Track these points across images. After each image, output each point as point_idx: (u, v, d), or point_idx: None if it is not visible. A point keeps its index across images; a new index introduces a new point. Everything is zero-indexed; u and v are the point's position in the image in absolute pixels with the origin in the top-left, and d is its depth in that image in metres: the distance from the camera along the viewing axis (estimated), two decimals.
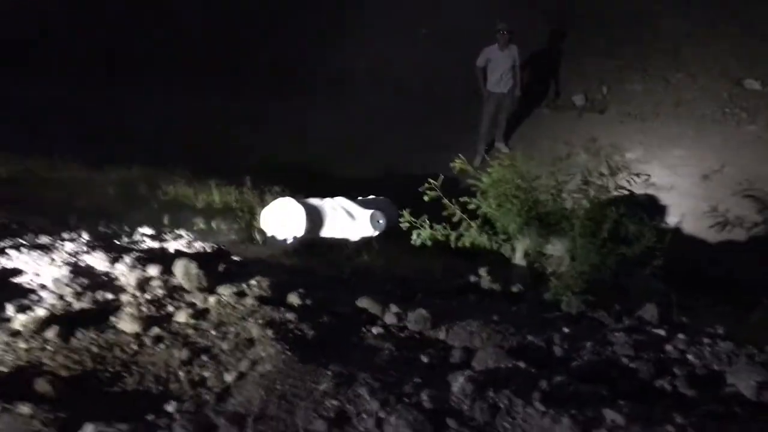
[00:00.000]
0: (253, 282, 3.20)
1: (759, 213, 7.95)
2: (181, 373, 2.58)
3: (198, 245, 3.78)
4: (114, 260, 3.40)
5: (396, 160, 9.53)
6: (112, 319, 2.87)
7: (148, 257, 3.44)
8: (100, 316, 2.91)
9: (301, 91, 11.13)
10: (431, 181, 4.44)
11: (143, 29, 12.93)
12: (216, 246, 3.79)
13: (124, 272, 3.28)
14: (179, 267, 3.20)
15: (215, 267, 3.35)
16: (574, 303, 3.60)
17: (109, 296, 3.08)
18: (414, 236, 4.52)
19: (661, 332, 3.27)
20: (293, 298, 3.13)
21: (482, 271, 4.13)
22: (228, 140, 10.01)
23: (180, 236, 4.03)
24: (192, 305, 3.04)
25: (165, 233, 4.16)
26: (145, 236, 4.12)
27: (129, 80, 11.79)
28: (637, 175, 4.45)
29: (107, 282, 3.25)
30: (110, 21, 13.22)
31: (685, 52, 10.23)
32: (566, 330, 3.18)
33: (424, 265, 4.80)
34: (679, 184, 8.71)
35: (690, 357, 3.02)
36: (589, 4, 11.47)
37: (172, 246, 3.85)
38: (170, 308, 3.02)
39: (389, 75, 11.14)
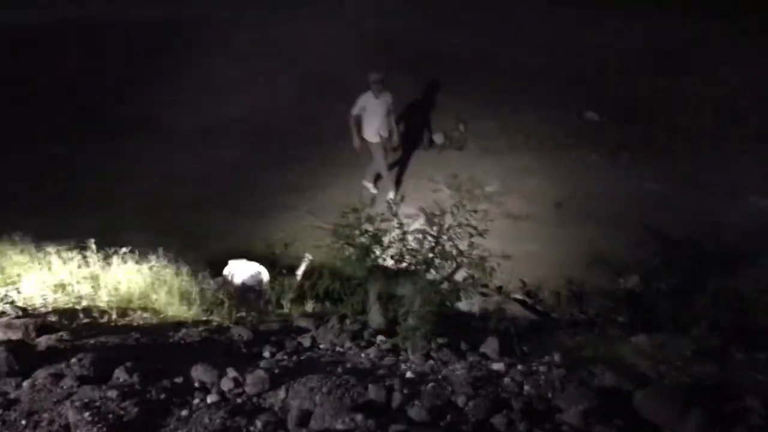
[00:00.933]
0: (74, 360, 2.96)
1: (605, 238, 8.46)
2: None
3: (19, 322, 3.46)
4: None
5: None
6: None
7: None
8: None
9: (167, 140, 10.85)
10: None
11: None
12: (41, 321, 3.49)
13: None
14: None
15: (33, 348, 3.07)
16: (418, 345, 3.62)
17: None
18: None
19: (501, 366, 3.34)
20: (119, 374, 2.92)
21: (332, 321, 4.09)
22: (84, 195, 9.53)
23: (2, 313, 3.69)
24: (2, 394, 2.76)
25: None
26: None
27: None
28: (475, 211, 4.56)
29: None
30: None
31: (531, 87, 10.88)
32: (409, 375, 3.18)
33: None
34: (535, 212, 9.15)
35: (527, 388, 3.11)
36: (439, 47, 12.01)
37: None
38: None
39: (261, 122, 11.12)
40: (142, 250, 6.39)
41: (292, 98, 11.49)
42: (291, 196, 9.74)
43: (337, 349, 3.80)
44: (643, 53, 10.99)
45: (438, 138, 10.76)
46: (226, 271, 6.84)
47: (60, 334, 3.57)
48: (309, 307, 5.13)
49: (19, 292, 4.71)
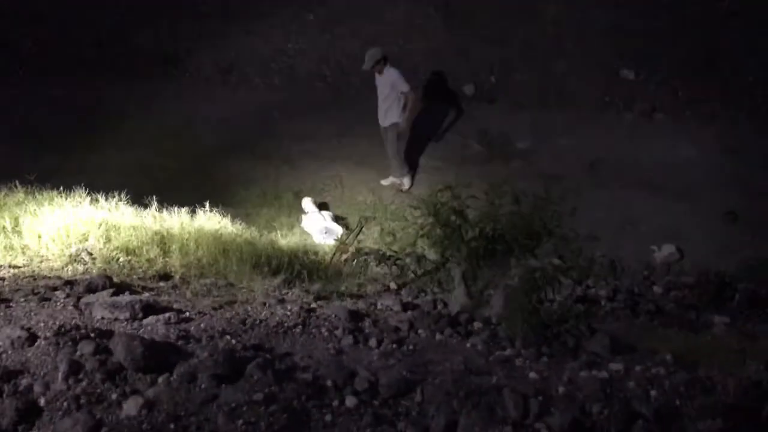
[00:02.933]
0: (205, 355, 2.86)
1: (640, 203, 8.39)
2: None
3: (124, 301, 3.33)
4: None
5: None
6: None
7: None
8: None
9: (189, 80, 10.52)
10: None
11: None
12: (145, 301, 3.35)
13: None
14: None
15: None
16: (530, 338, 3.58)
17: None
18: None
19: (620, 367, 3.31)
20: (253, 371, 2.82)
21: (426, 305, 4.02)
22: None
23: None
24: (137, 392, 2.66)
25: None
26: None
27: None
28: None
29: None
30: None
31: (566, 42, 10.57)
32: (532, 376, 3.14)
33: None
34: (567, 173, 9.03)
35: (653, 393, 3.07)
36: None
37: None
38: None
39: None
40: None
41: (316, 41, 11.08)
42: (313, 143, 9.54)
43: (438, 337, 3.75)
44: (696, 11, 10.64)
45: (468, 89, 10.49)
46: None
47: (167, 315, 3.45)
48: (389, 281, 5.05)
49: (89, 253, 4.55)
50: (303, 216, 8.10)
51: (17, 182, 5.74)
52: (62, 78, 10.35)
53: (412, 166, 9.05)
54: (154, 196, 6.20)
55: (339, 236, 7.48)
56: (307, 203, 8.23)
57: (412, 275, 4.58)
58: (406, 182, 8.88)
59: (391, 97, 8.35)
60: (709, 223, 8.12)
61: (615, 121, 9.84)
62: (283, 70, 10.81)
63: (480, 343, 3.58)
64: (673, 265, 7.63)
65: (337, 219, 8.20)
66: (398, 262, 4.48)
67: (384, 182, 8.93)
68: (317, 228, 7.81)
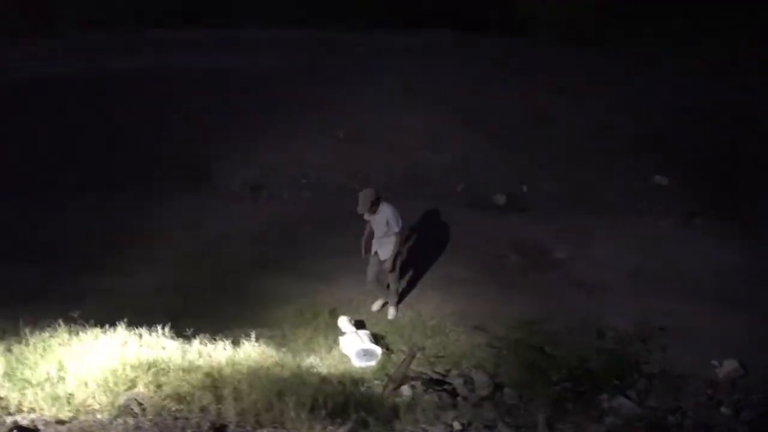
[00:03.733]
0: None
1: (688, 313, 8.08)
2: None
3: None
4: None
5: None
6: None
7: None
8: None
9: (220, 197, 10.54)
10: None
11: None
12: None
13: None
14: None
15: None
16: None
17: None
18: None
19: None
20: None
21: None
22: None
23: None
24: None
25: None
26: None
27: None
28: None
29: None
30: None
31: (595, 149, 10.65)
32: None
33: None
34: (608, 281, 8.79)
35: None
36: (494, 102, 11.79)
37: None
38: None
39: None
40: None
41: (345, 155, 11.20)
42: (347, 258, 9.39)
43: None
44: (711, 113, 10.80)
45: (500, 199, 10.46)
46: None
47: None
48: (452, 419, 4.70)
49: (139, 403, 4.29)
50: (340, 337, 7.84)
51: (61, 321, 5.56)
52: (95, 193, 10.43)
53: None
54: (193, 321, 5.98)
55: (378, 357, 7.22)
56: (344, 323, 7.97)
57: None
58: (392, 312, 8.58)
59: (390, 232, 8.15)
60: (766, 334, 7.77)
61: (652, 228, 9.71)
62: (313, 185, 10.88)
63: None
64: (737, 382, 7.21)
65: (375, 337, 7.93)
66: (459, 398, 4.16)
67: (374, 307, 8.65)
68: (355, 350, 7.54)
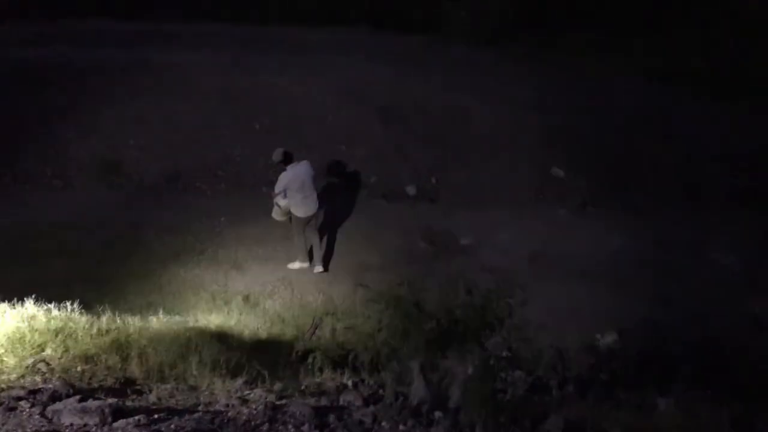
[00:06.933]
0: None
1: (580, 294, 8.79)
2: None
3: (94, 406, 3.32)
4: None
5: None
6: None
7: None
8: None
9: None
10: None
11: None
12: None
13: None
14: None
15: None
16: (489, 426, 3.72)
17: None
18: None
19: None
20: None
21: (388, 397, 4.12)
22: None
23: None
24: None
25: None
26: None
27: None
28: None
29: None
30: None
31: (501, 144, 11.31)
32: None
33: None
34: (510, 266, 9.41)
35: None
36: (408, 99, 12.31)
37: None
38: None
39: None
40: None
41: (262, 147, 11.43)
42: (261, 248, 9.66)
43: (401, 428, 3.84)
44: (606, 113, 11.67)
45: (411, 189, 10.97)
46: None
47: (137, 418, 3.44)
48: (347, 377, 5.11)
49: (47, 363, 4.49)
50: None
51: None
52: None
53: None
54: (106, 305, 6.15)
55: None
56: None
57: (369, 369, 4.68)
58: (292, 264, 9.19)
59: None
60: (645, 309, 8.55)
61: (550, 216, 10.42)
62: (230, 177, 11.05)
63: None
64: (617, 352, 7.93)
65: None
66: (355, 359, 4.60)
67: (291, 266, 9.19)
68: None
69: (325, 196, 9.68)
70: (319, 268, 9.19)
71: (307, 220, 9.10)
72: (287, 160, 8.89)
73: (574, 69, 13.96)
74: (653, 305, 8.58)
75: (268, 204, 9.31)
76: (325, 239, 9.58)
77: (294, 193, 8.84)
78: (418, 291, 4.60)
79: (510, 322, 4.56)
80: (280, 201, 9.03)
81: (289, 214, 9.14)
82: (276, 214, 9.28)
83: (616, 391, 5.95)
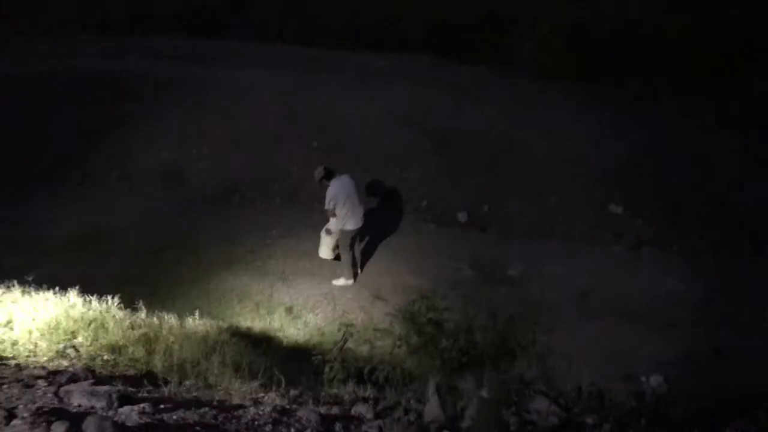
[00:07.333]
0: None
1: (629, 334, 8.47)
2: None
3: (102, 390, 3.42)
4: None
5: None
6: None
7: None
8: None
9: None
10: None
11: None
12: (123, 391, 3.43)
13: None
14: None
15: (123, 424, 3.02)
16: None
17: None
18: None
19: None
20: None
21: (398, 412, 4.07)
22: None
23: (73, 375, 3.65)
24: None
25: None
26: None
27: None
28: None
29: None
30: None
31: (558, 177, 11.10)
32: None
33: None
34: (557, 300, 9.18)
35: None
36: (466, 128, 12.29)
37: None
38: None
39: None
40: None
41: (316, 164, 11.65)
42: (309, 262, 9.77)
43: None
44: (669, 151, 11.31)
45: (462, 216, 10.89)
46: None
47: (142, 406, 3.52)
48: (367, 391, 5.08)
49: (77, 350, 4.66)
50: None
51: (15, 282, 5.95)
52: None
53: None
54: (140, 302, 6.35)
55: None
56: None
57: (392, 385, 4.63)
58: (337, 281, 9.34)
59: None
60: (697, 357, 8.15)
61: (603, 254, 10.12)
62: (285, 192, 11.29)
63: None
64: (662, 397, 7.57)
65: None
66: (374, 373, 4.55)
67: (335, 282, 9.35)
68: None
69: (376, 217, 9.76)
70: (349, 281, 9.36)
71: (354, 234, 9.16)
72: (329, 175, 9.08)
73: (642, 107, 13.63)
74: (706, 354, 8.18)
75: (319, 221, 9.44)
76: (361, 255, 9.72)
77: (341, 207, 8.96)
78: (440, 311, 4.53)
79: (533, 350, 4.42)
80: (331, 225, 9.16)
81: (336, 249, 9.30)
82: (323, 252, 9.41)
83: None
